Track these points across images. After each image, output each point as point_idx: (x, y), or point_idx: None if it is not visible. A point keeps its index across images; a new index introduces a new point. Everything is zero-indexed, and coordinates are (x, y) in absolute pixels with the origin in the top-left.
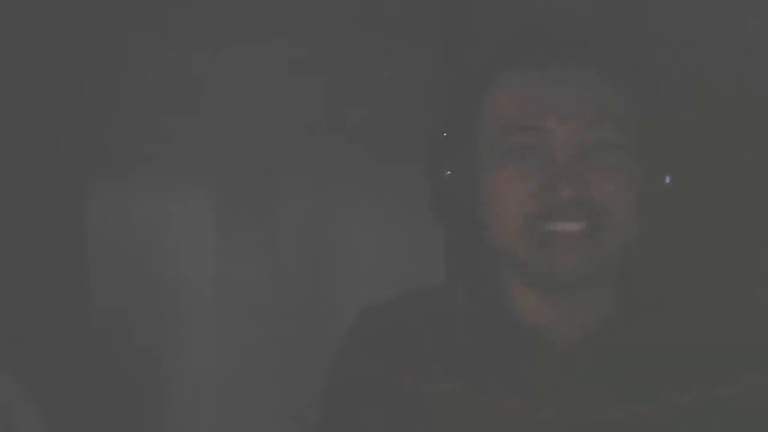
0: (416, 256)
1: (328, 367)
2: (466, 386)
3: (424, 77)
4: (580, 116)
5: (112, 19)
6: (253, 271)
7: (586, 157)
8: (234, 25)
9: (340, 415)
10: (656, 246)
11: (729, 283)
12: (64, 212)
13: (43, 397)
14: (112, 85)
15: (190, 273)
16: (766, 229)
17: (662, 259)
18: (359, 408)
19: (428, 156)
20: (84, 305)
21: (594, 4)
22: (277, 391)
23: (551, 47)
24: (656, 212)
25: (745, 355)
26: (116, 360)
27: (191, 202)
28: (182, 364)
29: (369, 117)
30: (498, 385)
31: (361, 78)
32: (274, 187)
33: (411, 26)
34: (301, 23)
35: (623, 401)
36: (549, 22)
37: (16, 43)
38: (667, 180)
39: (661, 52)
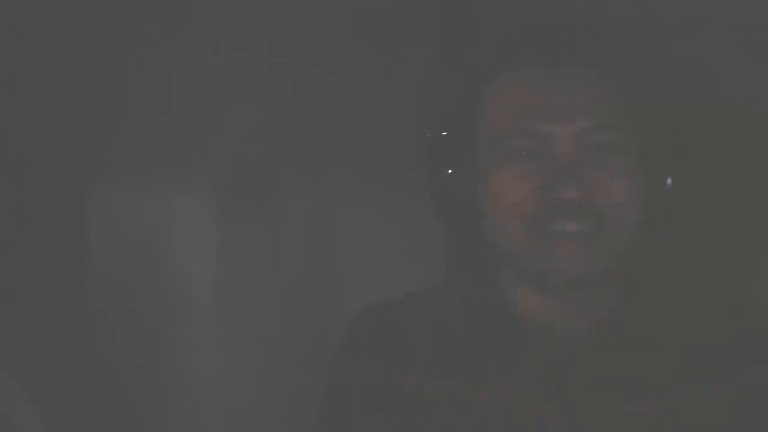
0: (416, 256)
1: (328, 367)
2: (466, 386)
3: (424, 77)
4: (581, 117)
5: (112, 19)
6: (253, 271)
7: (586, 158)
8: (234, 24)
9: (340, 416)
10: (656, 246)
11: (729, 282)
12: (64, 212)
13: (43, 397)
14: (112, 85)
15: (190, 273)
16: (766, 229)
17: (662, 259)
18: (359, 408)
19: (429, 156)
20: (84, 305)
21: (594, 4)
22: (277, 391)
23: (551, 47)
24: (656, 212)
25: (744, 354)
26: (116, 360)
27: (191, 202)
28: (182, 364)
29: (369, 117)
30: (498, 385)
31: (362, 78)
32: (275, 187)
33: (411, 26)
34: (301, 23)
35: (623, 399)
36: (549, 22)
37: (16, 43)
38: (668, 181)
39: (661, 52)
